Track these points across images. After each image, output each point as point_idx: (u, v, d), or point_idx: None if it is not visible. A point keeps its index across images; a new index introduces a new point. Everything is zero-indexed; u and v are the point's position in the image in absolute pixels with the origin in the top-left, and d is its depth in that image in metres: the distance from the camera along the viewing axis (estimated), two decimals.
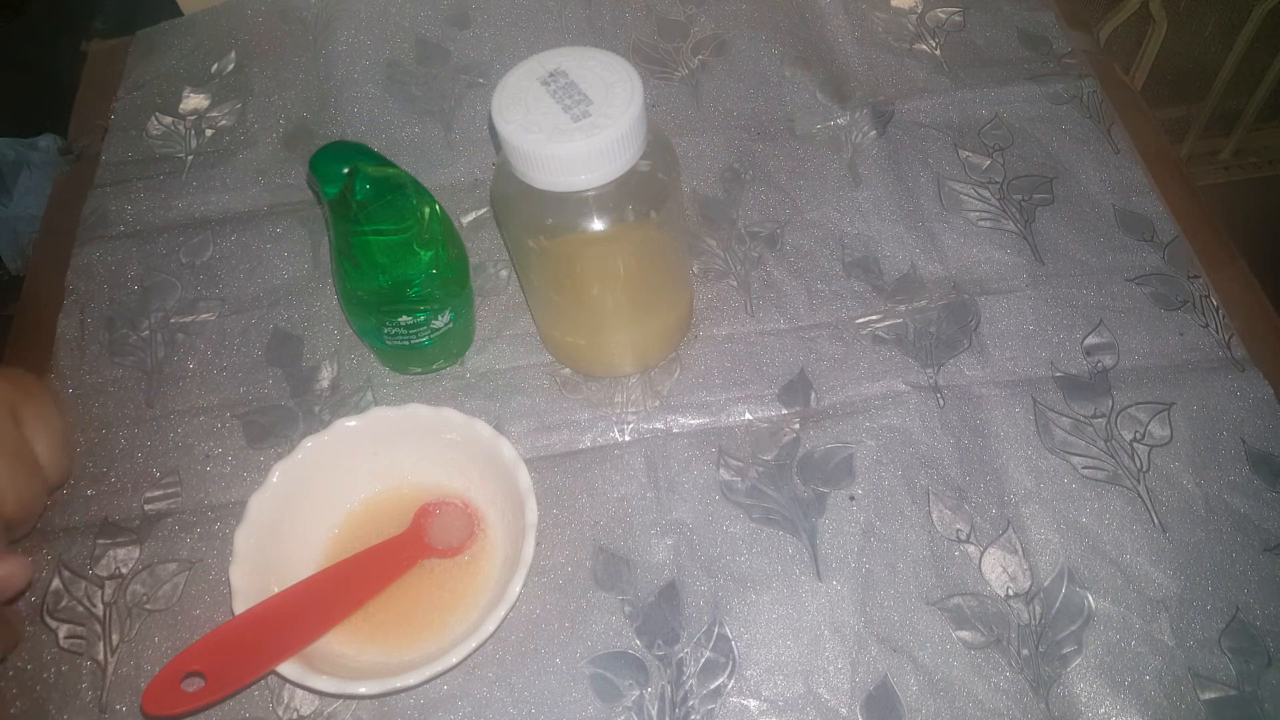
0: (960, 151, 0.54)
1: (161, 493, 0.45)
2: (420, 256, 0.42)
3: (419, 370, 0.47)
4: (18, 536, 0.42)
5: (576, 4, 0.61)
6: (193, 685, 0.35)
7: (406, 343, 0.44)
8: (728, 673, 0.39)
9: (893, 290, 0.49)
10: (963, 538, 0.42)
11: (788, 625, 0.40)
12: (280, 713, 0.39)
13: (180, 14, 0.63)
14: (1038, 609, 0.40)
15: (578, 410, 0.46)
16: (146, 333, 0.50)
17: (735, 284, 0.50)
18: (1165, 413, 0.45)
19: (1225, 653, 0.39)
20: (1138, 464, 0.43)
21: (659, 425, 0.45)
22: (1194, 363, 0.46)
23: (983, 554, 0.41)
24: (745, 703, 0.38)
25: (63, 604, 0.42)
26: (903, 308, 0.49)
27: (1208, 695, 0.38)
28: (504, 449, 0.41)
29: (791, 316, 0.48)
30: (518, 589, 0.37)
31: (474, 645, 0.36)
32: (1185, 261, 0.50)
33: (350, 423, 0.42)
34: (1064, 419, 0.45)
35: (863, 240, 0.51)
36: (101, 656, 0.40)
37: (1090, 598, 0.40)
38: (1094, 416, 0.45)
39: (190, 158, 0.56)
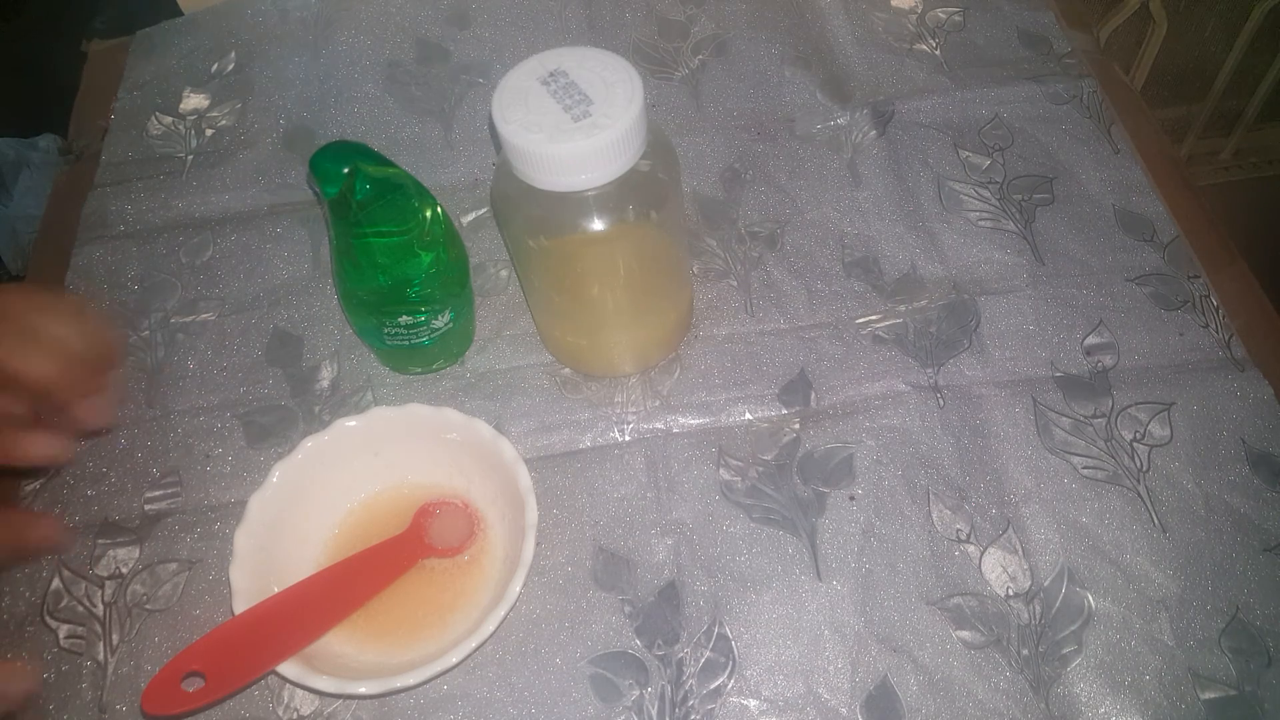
0: (960, 151, 0.54)
1: (161, 493, 0.45)
2: (421, 257, 0.42)
3: (419, 370, 0.47)
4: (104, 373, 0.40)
5: (576, 4, 0.61)
6: (193, 685, 0.35)
7: (406, 343, 0.44)
8: (728, 673, 0.39)
9: (893, 290, 0.49)
10: (963, 538, 0.42)
11: (788, 625, 0.40)
12: (280, 713, 0.39)
13: (180, 14, 0.63)
14: (1038, 609, 0.40)
15: (578, 410, 0.46)
16: (146, 333, 0.50)
17: (735, 284, 0.50)
18: (1165, 413, 0.45)
19: (1225, 653, 0.39)
20: (1138, 464, 0.43)
21: (659, 425, 0.45)
22: (1194, 363, 0.46)
23: (983, 554, 0.41)
24: (745, 703, 0.38)
25: (63, 604, 0.42)
26: (903, 308, 0.49)
27: (1208, 695, 0.38)
28: (504, 449, 0.41)
29: (791, 316, 0.48)
30: (518, 589, 0.37)
31: (474, 645, 0.36)
32: (1185, 261, 0.50)
33: (350, 423, 0.42)
34: (1064, 419, 0.45)
35: (863, 240, 0.51)
36: (101, 656, 0.40)
37: (1090, 598, 0.40)
38: (1094, 416, 0.45)
39: (190, 158, 0.56)
